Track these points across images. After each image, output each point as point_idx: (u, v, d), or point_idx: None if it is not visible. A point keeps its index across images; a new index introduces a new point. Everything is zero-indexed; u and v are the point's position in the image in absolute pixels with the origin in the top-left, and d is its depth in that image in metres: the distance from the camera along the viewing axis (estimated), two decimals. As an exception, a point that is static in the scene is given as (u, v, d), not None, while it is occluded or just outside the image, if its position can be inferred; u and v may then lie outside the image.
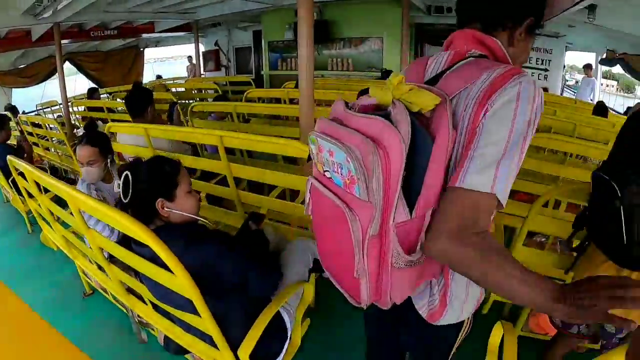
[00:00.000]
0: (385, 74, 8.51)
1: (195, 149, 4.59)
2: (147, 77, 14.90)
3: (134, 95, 3.86)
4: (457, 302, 1.33)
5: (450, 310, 1.34)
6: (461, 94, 1.12)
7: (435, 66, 1.28)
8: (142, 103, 3.74)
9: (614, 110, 10.63)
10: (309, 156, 1.32)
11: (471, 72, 1.13)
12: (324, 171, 1.16)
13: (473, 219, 1.03)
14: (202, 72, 13.31)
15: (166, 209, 1.87)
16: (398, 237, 1.07)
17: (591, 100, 11.54)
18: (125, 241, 1.88)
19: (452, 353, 1.51)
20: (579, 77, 13.22)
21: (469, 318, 1.43)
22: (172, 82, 12.35)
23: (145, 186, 1.88)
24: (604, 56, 11.04)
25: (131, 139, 3.69)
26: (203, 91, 10.03)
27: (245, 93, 6.40)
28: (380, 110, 1.09)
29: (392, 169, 1.01)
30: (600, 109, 6.67)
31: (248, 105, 5.69)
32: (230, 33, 14.45)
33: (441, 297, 1.32)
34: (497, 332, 1.88)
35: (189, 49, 14.55)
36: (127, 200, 1.86)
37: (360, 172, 1.01)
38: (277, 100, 6.86)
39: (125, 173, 1.88)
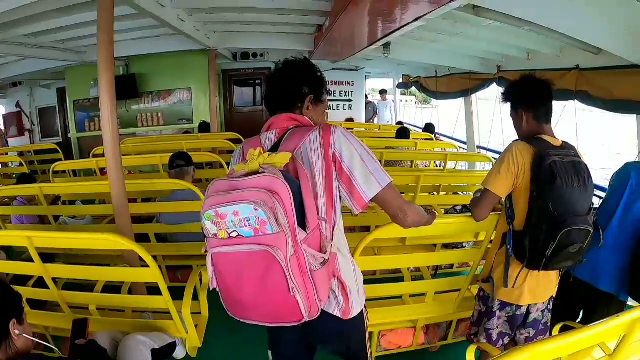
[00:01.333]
0: (203, 126, 8.50)
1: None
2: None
3: None
4: (354, 295, 1.83)
5: (354, 303, 1.82)
6: (300, 148, 1.70)
7: (269, 140, 1.82)
8: None
9: (414, 126, 11.73)
10: (204, 234, 1.58)
11: (299, 135, 1.73)
12: (230, 234, 1.49)
13: (397, 198, 1.79)
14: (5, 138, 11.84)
15: (17, 332, 1.76)
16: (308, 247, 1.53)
17: (389, 121, 12.79)
18: None
19: (367, 338, 2.03)
20: (379, 97, 14.45)
21: (364, 307, 1.94)
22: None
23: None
24: (401, 80, 12.24)
25: None
26: (9, 165, 9.01)
27: (51, 168, 5.84)
28: (255, 174, 1.51)
29: (286, 204, 1.46)
30: (402, 132, 7.31)
31: (55, 186, 5.19)
32: (33, 92, 12.79)
33: (343, 295, 1.79)
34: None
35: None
36: None
37: (269, 213, 1.42)
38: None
39: None
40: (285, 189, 1.47)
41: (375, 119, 13.14)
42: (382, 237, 2.59)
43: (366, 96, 13.35)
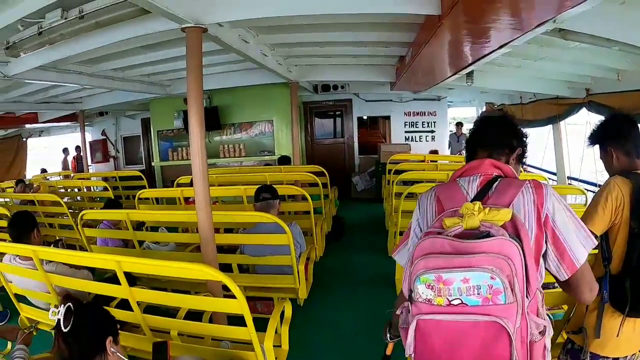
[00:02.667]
0: (283, 159, 8.64)
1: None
2: (32, 169, 13.68)
3: (14, 223, 3.66)
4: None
5: None
6: (514, 204, 1.60)
7: (471, 187, 1.71)
8: (24, 230, 3.59)
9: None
10: (412, 297, 1.51)
11: (513, 188, 1.64)
12: (451, 301, 1.41)
13: (591, 271, 1.69)
14: (89, 163, 12.55)
15: (112, 350, 1.93)
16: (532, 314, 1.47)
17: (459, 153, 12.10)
18: None
19: None
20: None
21: None
22: (58, 177, 11.74)
23: (100, 321, 1.98)
24: (484, 109, 11.97)
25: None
26: (93, 189, 9.65)
27: (137, 195, 6.24)
28: (474, 232, 1.46)
29: (518, 271, 1.40)
30: None
31: (142, 212, 5.57)
32: (118, 121, 13.90)
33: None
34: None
35: (75, 137, 13.60)
36: (67, 330, 1.86)
37: (506, 283, 1.37)
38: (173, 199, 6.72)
39: (68, 304, 1.90)
40: (517, 253, 1.42)
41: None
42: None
43: (461, 125, 12.86)
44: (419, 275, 1.44)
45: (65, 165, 14.47)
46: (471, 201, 1.61)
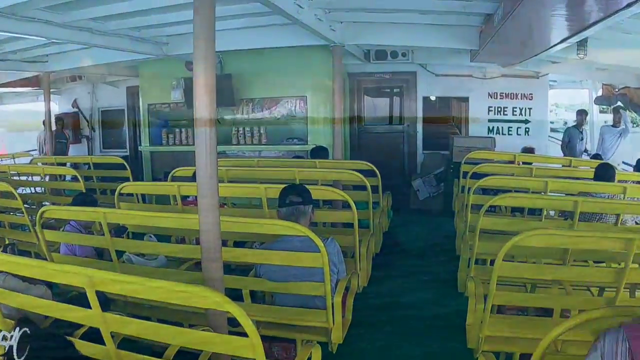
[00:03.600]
0: (317, 151, 8.54)
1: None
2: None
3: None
4: None
5: None
6: None
7: None
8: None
9: (624, 163, 10.69)
10: None
11: None
12: None
13: None
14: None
15: None
16: None
17: (586, 152, 11.77)
18: None
19: None
20: (567, 116, 13.54)
21: None
22: (11, 161, 11.87)
23: (66, 356, 2.13)
24: (600, 93, 11.65)
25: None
26: (60, 178, 9.82)
27: (118, 189, 6.29)
28: None
29: None
30: (603, 171, 6.82)
31: (123, 213, 5.58)
32: (95, 89, 13.98)
33: None
34: None
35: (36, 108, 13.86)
36: None
37: None
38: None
39: (24, 329, 1.95)
40: None
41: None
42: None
43: (584, 113, 11.80)
44: None
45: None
46: None
